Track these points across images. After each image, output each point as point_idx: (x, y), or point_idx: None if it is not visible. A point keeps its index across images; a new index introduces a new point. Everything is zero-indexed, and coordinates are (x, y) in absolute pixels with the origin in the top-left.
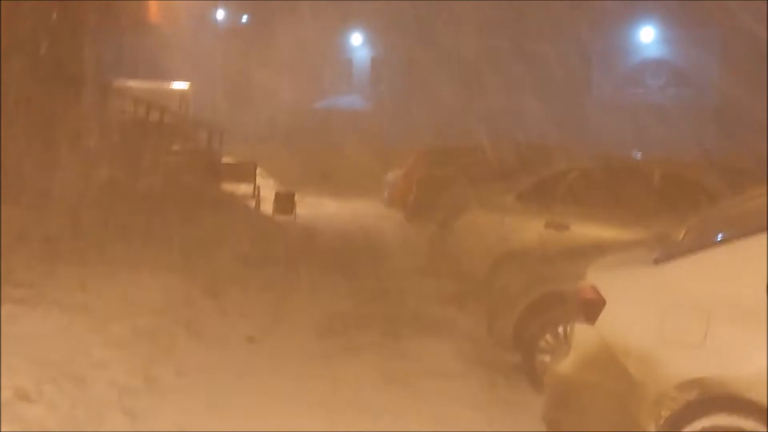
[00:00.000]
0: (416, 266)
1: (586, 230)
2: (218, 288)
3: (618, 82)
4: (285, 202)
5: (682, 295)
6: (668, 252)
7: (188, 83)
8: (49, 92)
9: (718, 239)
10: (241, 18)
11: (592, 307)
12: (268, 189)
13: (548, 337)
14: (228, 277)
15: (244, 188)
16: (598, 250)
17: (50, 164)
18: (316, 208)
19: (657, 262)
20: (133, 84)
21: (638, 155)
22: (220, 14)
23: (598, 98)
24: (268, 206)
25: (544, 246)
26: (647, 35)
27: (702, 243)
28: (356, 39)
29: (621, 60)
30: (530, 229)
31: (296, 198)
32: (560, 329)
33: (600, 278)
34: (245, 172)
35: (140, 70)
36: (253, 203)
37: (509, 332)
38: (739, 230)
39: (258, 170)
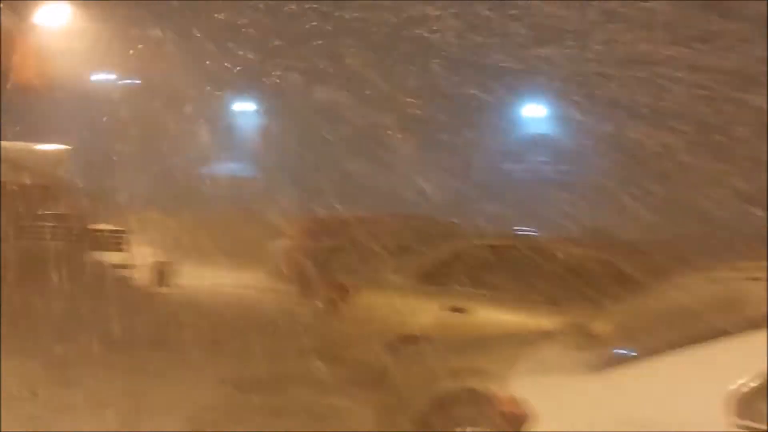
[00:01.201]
0: (303, 347)
1: (488, 314)
2: (73, 376)
3: (499, 157)
4: (161, 272)
5: (628, 413)
6: (605, 357)
7: (65, 145)
8: None
9: (668, 342)
10: (133, 81)
11: (513, 423)
12: (143, 258)
13: None
14: (88, 362)
15: (116, 257)
16: (503, 338)
17: None
18: (196, 279)
19: (593, 369)
20: (5, 145)
21: (532, 233)
22: (111, 76)
23: (478, 173)
24: (143, 276)
25: (444, 331)
26: (530, 111)
27: (647, 346)
28: (242, 104)
29: (503, 135)
30: (427, 312)
31: (174, 267)
32: None
33: (524, 387)
34: (118, 240)
35: (12, 132)
36: (125, 273)
37: None
38: (688, 331)
39: (133, 237)
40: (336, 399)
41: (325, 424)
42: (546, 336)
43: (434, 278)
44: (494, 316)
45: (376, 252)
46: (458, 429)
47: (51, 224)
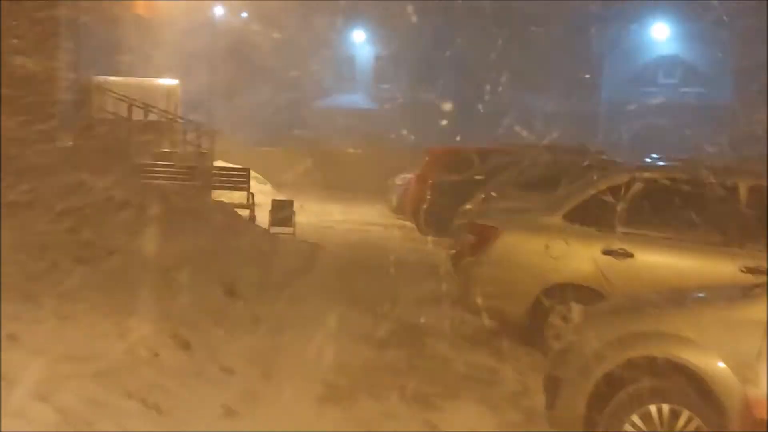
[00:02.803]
0: (438, 294)
1: (656, 258)
2: (194, 332)
3: (630, 81)
4: (282, 211)
5: None
6: None
7: (177, 80)
8: (20, 88)
9: None
10: (240, 14)
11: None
12: (264, 196)
13: (636, 419)
14: (208, 314)
15: (237, 196)
16: (685, 290)
17: (18, 169)
18: (317, 216)
19: None
20: (116, 80)
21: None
22: (219, 10)
23: (609, 97)
24: (263, 216)
25: (607, 280)
26: (660, 32)
27: None
28: (358, 36)
29: (633, 58)
30: (583, 257)
31: (295, 206)
32: (654, 410)
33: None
34: (238, 178)
35: (126, 66)
36: (246, 213)
37: (579, 410)
38: None
39: (253, 175)
40: (481, 357)
41: (471, 393)
42: (740, 291)
43: (588, 218)
44: (662, 260)
45: (515, 187)
46: (652, 406)
47: (168, 162)
